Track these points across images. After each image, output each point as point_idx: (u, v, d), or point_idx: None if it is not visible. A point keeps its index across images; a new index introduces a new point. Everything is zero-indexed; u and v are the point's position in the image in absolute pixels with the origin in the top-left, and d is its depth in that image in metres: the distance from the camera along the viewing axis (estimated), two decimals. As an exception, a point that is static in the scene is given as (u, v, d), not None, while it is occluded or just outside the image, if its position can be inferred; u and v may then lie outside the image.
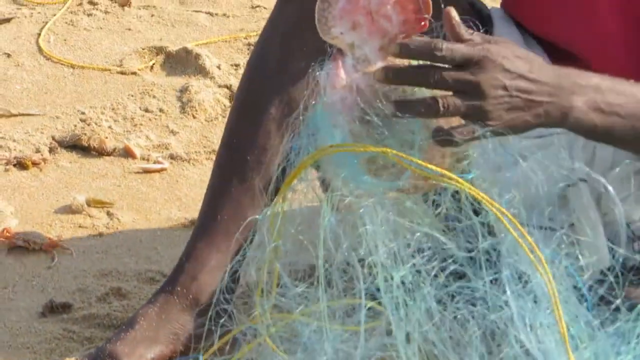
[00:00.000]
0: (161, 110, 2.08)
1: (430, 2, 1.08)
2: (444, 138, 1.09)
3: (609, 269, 1.23)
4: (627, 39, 1.40)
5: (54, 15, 2.40)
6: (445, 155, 1.11)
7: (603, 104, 1.16)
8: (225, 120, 1.83)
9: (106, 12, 2.43)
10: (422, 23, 1.09)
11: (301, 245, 1.23)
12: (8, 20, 2.36)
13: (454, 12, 1.09)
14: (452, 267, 1.16)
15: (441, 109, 1.07)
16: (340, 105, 1.14)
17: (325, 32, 1.12)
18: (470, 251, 1.16)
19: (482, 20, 1.37)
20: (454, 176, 1.10)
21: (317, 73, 1.15)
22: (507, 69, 1.09)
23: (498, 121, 1.08)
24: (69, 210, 1.79)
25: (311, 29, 1.21)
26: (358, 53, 1.12)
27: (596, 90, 1.17)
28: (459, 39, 1.09)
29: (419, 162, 1.11)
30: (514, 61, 1.09)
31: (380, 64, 1.12)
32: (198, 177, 1.90)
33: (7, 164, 1.91)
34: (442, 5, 1.10)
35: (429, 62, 1.10)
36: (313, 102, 1.17)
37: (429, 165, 1.11)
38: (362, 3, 1.11)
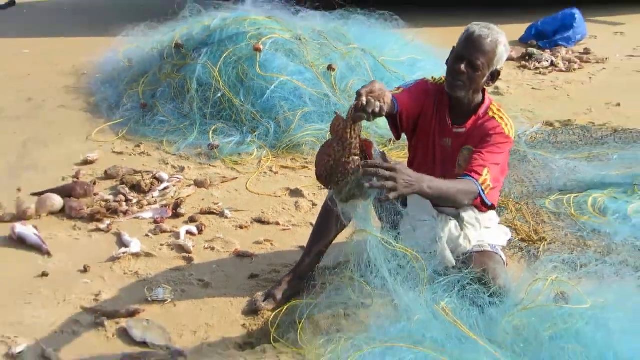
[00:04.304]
0: (290, 209, 3.49)
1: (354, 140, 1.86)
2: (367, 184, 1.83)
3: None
4: (442, 170, 2.42)
5: (252, 175, 3.79)
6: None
7: (432, 186, 2.04)
8: (313, 215, 3.28)
9: (272, 171, 3.87)
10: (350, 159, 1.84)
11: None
12: (235, 178, 3.75)
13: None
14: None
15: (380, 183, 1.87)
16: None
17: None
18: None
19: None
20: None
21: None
22: (404, 173, 1.92)
23: (399, 190, 1.91)
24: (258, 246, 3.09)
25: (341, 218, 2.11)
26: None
27: (429, 181, 2.02)
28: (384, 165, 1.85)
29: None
30: (404, 171, 1.93)
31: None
32: (307, 232, 2.90)
33: (239, 227, 3.22)
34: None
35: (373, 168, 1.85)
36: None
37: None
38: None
